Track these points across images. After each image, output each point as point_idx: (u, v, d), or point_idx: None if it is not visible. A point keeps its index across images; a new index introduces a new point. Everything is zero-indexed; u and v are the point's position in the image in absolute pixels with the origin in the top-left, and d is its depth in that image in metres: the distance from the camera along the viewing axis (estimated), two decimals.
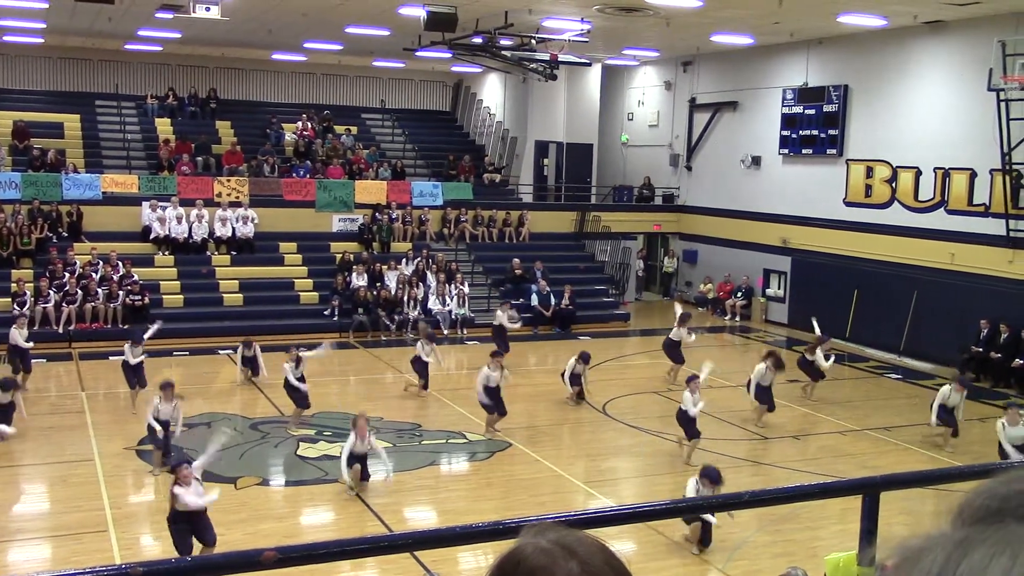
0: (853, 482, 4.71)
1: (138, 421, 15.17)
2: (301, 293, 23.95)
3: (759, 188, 26.78)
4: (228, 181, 25.80)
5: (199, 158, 27.40)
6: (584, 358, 17.05)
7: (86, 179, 24.72)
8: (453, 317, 23.79)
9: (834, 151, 24.33)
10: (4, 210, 22.91)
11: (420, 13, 19.37)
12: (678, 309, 20.11)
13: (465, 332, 23.54)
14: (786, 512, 11.11)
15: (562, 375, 17.21)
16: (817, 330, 19.00)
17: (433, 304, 23.89)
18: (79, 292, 21.32)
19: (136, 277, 22.21)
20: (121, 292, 21.58)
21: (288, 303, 23.57)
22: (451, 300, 23.95)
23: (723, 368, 20.31)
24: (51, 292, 21.04)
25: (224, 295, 23.37)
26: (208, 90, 31.66)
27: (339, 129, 31.10)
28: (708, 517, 10.64)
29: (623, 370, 18.53)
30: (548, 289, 24.77)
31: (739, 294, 26.92)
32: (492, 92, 33.57)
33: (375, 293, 23.43)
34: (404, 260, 25.00)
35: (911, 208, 22.39)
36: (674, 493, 12.89)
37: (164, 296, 22.67)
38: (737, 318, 26.58)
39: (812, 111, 24.89)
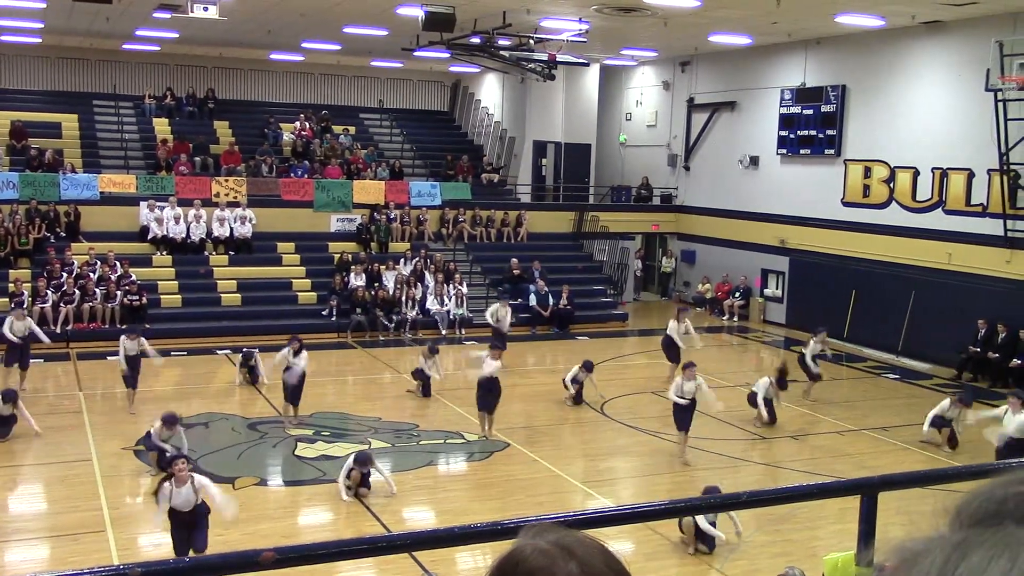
0: (851, 482, 4.71)
1: (136, 421, 15.19)
2: (299, 293, 23.95)
3: (757, 188, 26.79)
4: (226, 181, 25.79)
5: (197, 158, 27.39)
6: (587, 367, 17.10)
7: (84, 179, 24.70)
8: (451, 317, 23.79)
9: (832, 151, 24.35)
10: (2, 210, 22.91)
11: (418, 13, 19.37)
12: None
13: (463, 332, 23.54)
14: (784, 512, 11.12)
15: (564, 380, 17.22)
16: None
17: (431, 304, 23.89)
18: (77, 292, 21.30)
19: (134, 277, 22.20)
20: (119, 292, 21.57)
21: (286, 303, 23.57)
22: (449, 300, 23.95)
23: (721, 368, 20.35)
24: (49, 292, 21.02)
25: (222, 295, 23.35)
26: (206, 90, 31.65)
27: (337, 129, 31.09)
28: (714, 531, 10.65)
29: (621, 370, 18.54)
30: (546, 289, 24.77)
31: (737, 294, 26.94)
32: (490, 92, 33.57)
33: (373, 293, 23.42)
34: (402, 260, 25.00)
35: (909, 208, 22.41)
36: (672, 493, 12.91)
37: (162, 296, 22.65)
38: (735, 318, 26.59)
39: (810, 111, 24.90)
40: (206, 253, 24.43)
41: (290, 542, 8.94)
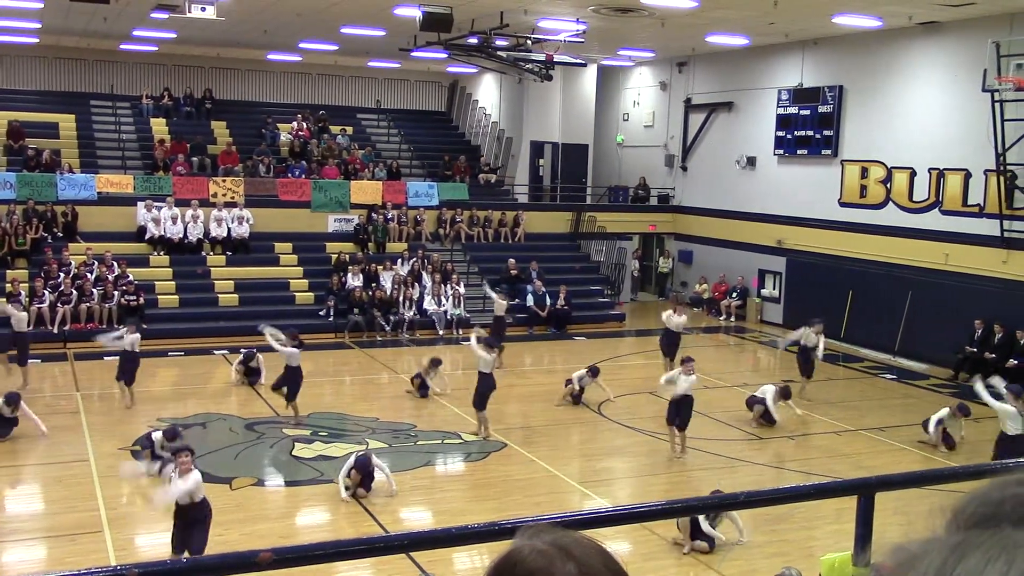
0: (848, 483, 4.72)
1: (133, 421, 15.19)
2: (297, 293, 23.93)
3: (754, 189, 26.81)
4: (223, 181, 25.77)
5: (194, 158, 27.38)
6: (593, 371, 17.18)
7: (81, 179, 24.68)
8: (448, 317, 23.79)
9: (829, 152, 24.37)
10: None
11: (416, 13, 19.37)
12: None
13: (461, 332, 23.52)
14: (781, 512, 11.12)
15: (568, 381, 17.25)
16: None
17: (428, 304, 23.89)
18: (74, 292, 21.29)
19: (131, 277, 22.19)
20: (116, 292, 21.55)
21: (284, 303, 23.54)
22: (446, 300, 23.95)
23: (718, 368, 20.37)
24: (46, 292, 21.01)
25: (219, 295, 23.34)
26: (203, 90, 31.63)
27: (335, 129, 31.08)
28: (714, 533, 10.67)
29: (618, 370, 18.54)
30: (544, 289, 24.78)
31: (734, 294, 26.96)
32: (488, 92, 33.57)
33: (371, 293, 23.42)
34: (400, 260, 25.00)
35: (906, 209, 22.43)
36: (669, 493, 12.92)
37: (159, 296, 22.64)
38: (732, 318, 26.61)
39: (807, 112, 24.92)
40: (203, 253, 24.42)
41: (287, 543, 8.94)
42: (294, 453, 14.08)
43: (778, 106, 25.80)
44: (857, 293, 23.21)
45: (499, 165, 31.61)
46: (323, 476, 13.02)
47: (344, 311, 23.03)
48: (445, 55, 24.45)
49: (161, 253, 23.95)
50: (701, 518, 10.54)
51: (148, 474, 12.69)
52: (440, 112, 36.32)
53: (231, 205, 25.10)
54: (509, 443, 14.79)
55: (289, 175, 27.22)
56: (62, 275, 21.54)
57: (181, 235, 24.29)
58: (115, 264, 22.37)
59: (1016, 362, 19.22)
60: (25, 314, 17.52)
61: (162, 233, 24.12)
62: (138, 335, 16.24)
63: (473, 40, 21.56)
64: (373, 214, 26.36)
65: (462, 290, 24.31)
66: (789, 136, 25.50)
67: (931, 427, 15.04)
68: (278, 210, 25.63)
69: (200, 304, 22.89)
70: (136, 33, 26.55)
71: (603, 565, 1.13)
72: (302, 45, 28.42)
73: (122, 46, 29.75)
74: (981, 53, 19.38)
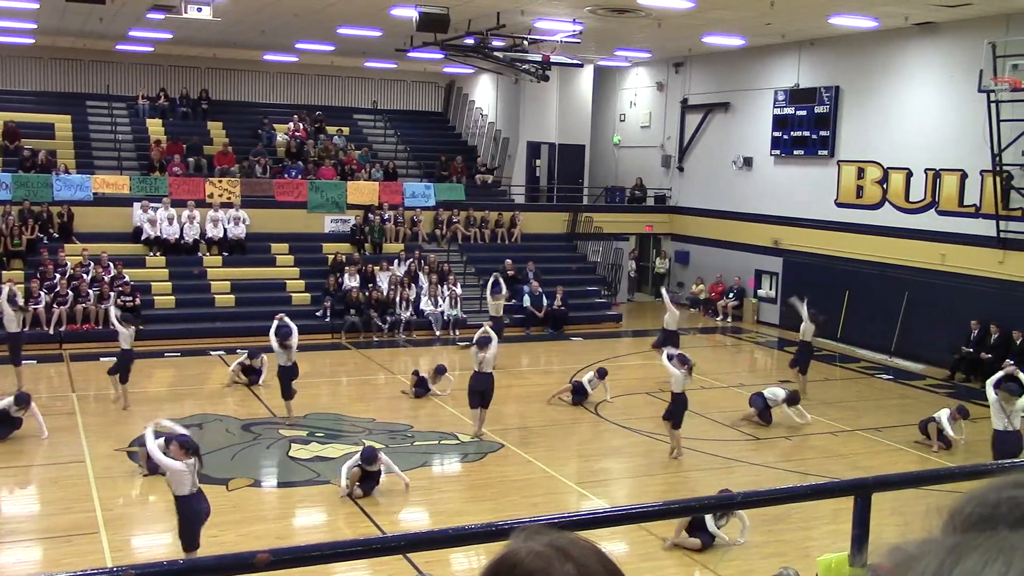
0: (845, 483, 4.73)
1: (129, 422, 15.16)
2: (293, 294, 23.91)
3: (751, 189, 26.83)
4: (219, 182, 25.74)
5: (190, 159, 27.35)
6: (601, 373, 17.29)
7: (77, 180, 24.64)
8: (445, 318, 23.78)
9: (825, 152, 24.39)
10: None
11: (412, 14, 19.37)
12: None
13: (457, 333, 23.52)
14: (778, 512, 11.13)
15: (581, 382, 17.28)
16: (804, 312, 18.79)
17: (425, 305, 23.88)
18: (70, 293, 21.25)
19: (127, 278, 22.16)
20: (112, 293, 21.52)
21: (280, 304, 23.38)
22: (443, 301, 23.95)
23: (715, 369, 20.38)
24: (42, 293, 20.97)
25: (216, 296, 23.31)
26: (199, 91, 31.60)
27: (331, 130, 31.07)
28: (718, 533, 10.68)
29: (615, 371, 18.51)
30: (540, 290, 24.78)
31: (731, 295, 26.98)
32: (484, 93, 33.57)
33: (367, 294, 23.41)
34: (396, 261, 24.99)
35: (902, 209, 22.46)
36: (666, 494, 12.92)
37: (155, 297, 22.61)
38: (729, 319, 26.63)
39: (803, 112, 24.94)
40: (200, 254, 24.39)
41: (284, 543, 8.93)
42: (290, 454, 14.07)
43: (774, 107, 25.82)
44: (853, 293, 23.24)
45: (496, 166, 31.61)
46: (319, 477, 13.01)
47: (340, 312, 23.02)
48: (441, 56, 24.46)
49: (157, 254, 23.93)
50: (708, 516, 10.57)
51: (143, 475, 12.69)
52: (436, 113, 36.32)
53: (227, 206, 25.08)
54: (506, 444, 14.79)
55: (285, 176, 27.20)
56: (58, 276, 21.50)
57: (177, 236, 24.27)
58: (111, 265, 22.34)
59: (1012, 363, 19.20)
60: (14, 314, 17.43)
61: (158, 234, 24.09)
62: (133, 328, 16.26)
63: (470, 41, 21.56)
64: (370, 215, 26.35)
65: (459, 291, 24.31)
66: (785, 137, 25.52)
67: (946, 428, 14.97)
68: (274, 211, 25.61)
69: (196, 305, 22.86)
70: (132, 33, 26.52)
71: (600, 566, 1.13)
72: (298, 46, 28.41)
73: (118, 46, 29.72)
74: (977, 54, 19.40)
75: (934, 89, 21.69)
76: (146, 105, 30.01)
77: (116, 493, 12.37)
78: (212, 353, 20.55)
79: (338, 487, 12.33)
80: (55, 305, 20.95)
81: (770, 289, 26.42)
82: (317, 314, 23.05)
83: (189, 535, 9.51)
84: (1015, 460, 10.85)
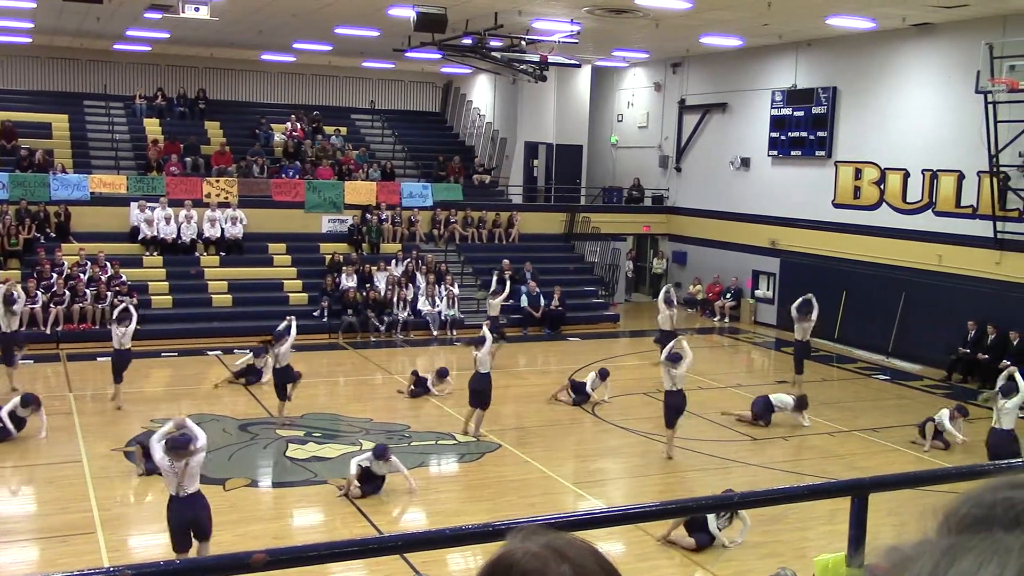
0: (842, 484, 4.73)
1: (125, 422, 15.15)
2: (290, 294, 23.90)
3: (748, 190, 26.84)
4: (217, 182, 25.73)
5: (188, 159, 27.32)
6: (603, 374, 17.32)
7: (74, 179, 24.62)
8: (443, 318, 23.78)
9: (823, 153, 24.40)
10: None
11: (410, 14, 19.36)
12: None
13: (455, 333, 23.52)
14: (775, 513, 11.14)
15: (586, 386, 17.29)
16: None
17: (423, 305, 23.87)
18: (67, 293, 21.23)
19: (124, 278, 22.14)
20: (109, 293, 21.49)
21: (277, 304, 23.47)
22: (440, 301, 23.94)
23: (712, 370, 20.38)
24: (39, 293, 20.94)
25: (213, 296, 23.30)
26: (197, 90, 31.57)
27: (328, 130, 31.05)
28: (718, 534, 10.69)
29: (613, 371, 18.48)
30: (538, 290, 24.78)
31: (728, 295, 26.99)
32: (482, 93, 33.57)
33: (364, 294, 23.40)
34: (393, 261, 24.98)
35: (899, 210, 22.47)
36: (663, 494, 12.92)
37: (152, 297, 22.59)
38: (726, 319, 26.64)
39: (801, 113, 24.96)
40: (197, 254, 24.37)
41: (281, 544, 8.93)
42: (287, 454, 14.06)
43: (772, 107, 25.84)
44: (850, 294, 23.25)
45: (493, 166, 31.61)
46: (316, 477, 13.00)
47: (338, 312, 23.00)
48: (439, 56, 24.45)
49: (154, 253, 23.91)
50: (711, 516, 10.58)
51: (139, 475, 12.68)
52: (434, 113, 36.31)
53: (225, 206, 25.06)
54: (503, 444, 14.79)
55: (283, 175, 27.19)
56: (55, 275, 21.48)
57: (174, 235, 24.25)
58: (108, 264, 22.32)
59: (1008, 363, 19.24)
60: (5, 315, 17.37)
61: (155, 233, 24.07)
62: (130, 327, 16.26)
63: (467, 41, 21.56)
64: (367, 215, 26.34)
65: (456, 291, 24.31)
66: (783, 137, 25.53)
67: (948, 427, 14.99)
68: (272, 211, 25.60)
69: (193, 305, 22.84)
70: (129, 33, 26.50)
71: (597, 566, 1.13)
72: (296, 45, 28.40)
73: (115, 46, 29.69)
74: (974, 55, 19.42)
75: (931, 90, 21.71)
76: (143, 105, 29.99)
77: (113, 493, 12.36)
78: (209, 353, 20.54)
79: (335, 487, 12.33)
80: (52, 305, 20.93)
81: (767, 290, 26.43)
82: (314, 314, 23.03)
83: (171, 537, 9.47)
84: (1012, 460, 10.86)
